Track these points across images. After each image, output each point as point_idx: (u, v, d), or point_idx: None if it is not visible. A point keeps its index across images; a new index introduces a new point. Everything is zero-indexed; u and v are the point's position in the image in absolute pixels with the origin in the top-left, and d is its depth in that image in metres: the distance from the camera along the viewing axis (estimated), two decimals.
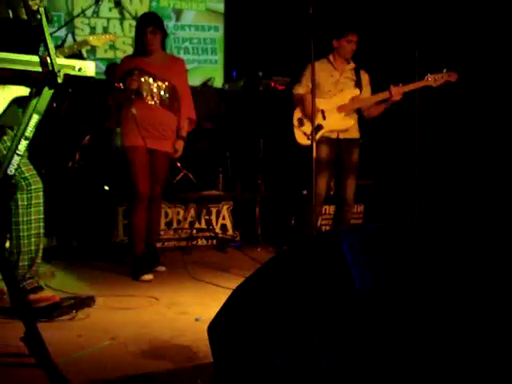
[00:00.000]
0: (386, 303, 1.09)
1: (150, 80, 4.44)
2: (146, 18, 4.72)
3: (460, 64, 5.22)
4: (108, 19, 7.40)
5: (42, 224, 3.53)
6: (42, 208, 3.50)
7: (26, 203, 3.42)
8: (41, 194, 3.49)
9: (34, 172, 3.46)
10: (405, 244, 1.20)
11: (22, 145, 2.35)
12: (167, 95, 4.48)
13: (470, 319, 1.23)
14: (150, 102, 4.43)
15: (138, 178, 4.41)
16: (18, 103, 3.47)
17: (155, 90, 4.44)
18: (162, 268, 4.61)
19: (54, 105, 5.72)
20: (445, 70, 4.88)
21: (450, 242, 1.25)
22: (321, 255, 1.09)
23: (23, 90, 3.44)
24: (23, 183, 3.36)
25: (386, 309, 1.08)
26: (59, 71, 2.25)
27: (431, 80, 4.87)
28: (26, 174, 3.38)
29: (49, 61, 2.24)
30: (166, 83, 4.48)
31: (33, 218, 3.46)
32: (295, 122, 5.16)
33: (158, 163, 4.51)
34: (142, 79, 4.41)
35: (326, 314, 1.10)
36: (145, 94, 4.41)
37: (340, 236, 1.08)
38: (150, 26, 4.48)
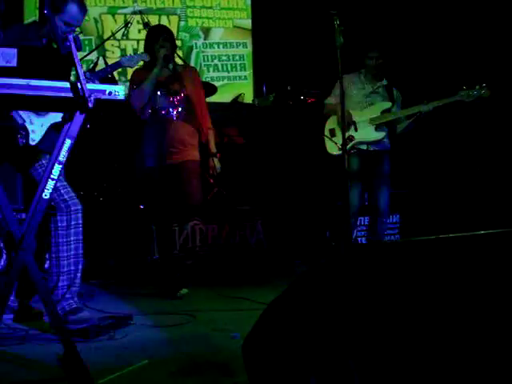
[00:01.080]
0: (419, 324, 1.08)
1: (165, 93, 4.46)
2: (158, 28, 4.84)
3: (491, 79, 5.19)
4: (138, 41, 7.50)
5: (81, 245, 3.60)
6: (81, 229, 3.57)
7: (65, 224, 3.49)
8: (80, 215, 3.56)
9: (73, 194, 3.54)
10: (440, 257, 1.19)
11: (56, 169, 2.40)
12: (183, 106, 4.51)
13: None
14: (167, 116, 4.45)
15: (160, 198, 4.46)
16: (57, 129, 3.59)
17: (171, 102, 4.46)
18: (185, 291, 4.40)
19: (88, 126, 5.82)
20: (477, 87, 4.86)
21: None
22: (356, 271, 1.08)
23: (60, 117, 3.53)
24: (62, 205, 3.44)
25: (421, 332, 1.07)
26: (90, 96, 2.30)
27: (464, 95, 4.85)
28: (66, 197, 3.46)
29: (79, 86, 2.29)
30: (181, 94, 4.50)
31: (72, 239, 3.53)
32: (326, 133, 5.22)
33: (187, 175, 4.52)
34: (158, 92, 4.44)
35: (362, 335, 1.09)
36: (161, 108, 4.44)
37: (374, 250, 1.08)
38: (165, 34, 4.53)
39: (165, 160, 4.42)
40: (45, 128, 3.51)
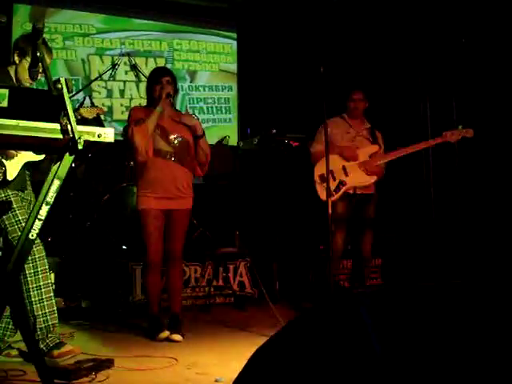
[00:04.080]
0: (407, 367, 1.10)
1: (165, 135, 4.39)
2: (161, 69, 4.82)
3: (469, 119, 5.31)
4: (124, 82, 7.59)
5: (52, 288, 3.65)
6: (48, 273, 3.62)
7: (32, 271, 3.55)
8: (45, 260, 3.63)
9: (38, 240, 3.55)
10: (427, 306, 1.21)
11: (44, 210, 2.40)
12: (181, 150, 4.42)
13: None
14: (165, 158, 4.36)
15: (150, 244, 4.34)
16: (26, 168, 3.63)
17: (169, 145, 4.39)
18: (178, 337, 4.31)
19: (73, 165, 5.84)
20: (460, 127, 4.96)
21: (476, 303, 1.26)
22: (340, 319, 1.10)
23: (34, 155, 3.58)
24: None
25: (408, 373, 1.09)
26: (79, 138, 2.32)
27: (449, 136, 4.95)
28: None
29: (69, 128, 2.31)
30: (180, 138, 4.42)
31: (42, 283, 3.59)
32: (317, 179, 5.17)
33: (177, 222, 4.42)
34: (157, 134, 4.37)
35: (346, 380, 1.10)
36: (160, 150, 4.36)
37: (359, 299, 1.10)
38: (167, 76, 4.44)
39: (160, 203, 4.35)
40: (19, 167, 3.54)
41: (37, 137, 2.34)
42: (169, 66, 7.71)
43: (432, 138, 5.10)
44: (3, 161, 3.46)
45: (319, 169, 5.19)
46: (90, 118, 4.19)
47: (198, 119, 4.60)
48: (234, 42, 8.19)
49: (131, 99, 7.59)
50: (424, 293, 1.26)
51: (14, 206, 3.53)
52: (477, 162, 6.03)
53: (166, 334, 4.30)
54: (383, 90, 6.77)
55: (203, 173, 4.65)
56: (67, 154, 2.38)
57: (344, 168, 5.09)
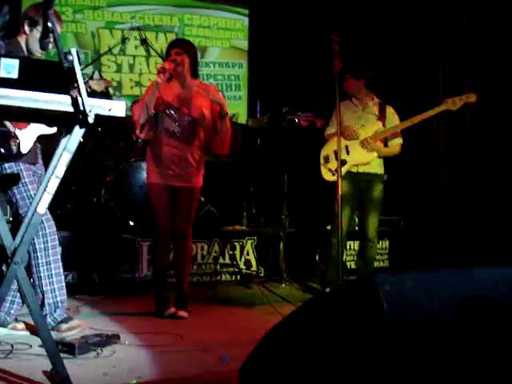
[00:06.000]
0: (423, 352, 1.07)
1: (172, 113, 4.32)
2: (173, 41, 4.69)
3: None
4: (134, 57, 7.52)
5: (60, 263, 3.63)
6: (58, 249, 3.63)
7: (43, 246, 3.52)
8: (56, 236, 3.60)
9: (49, 216, 3.54)
10: (444, 292, 1.18)
11: (53, 184, 2.37)
12: (189, 129, 4.33)
13: None
14: (171, 136, 4.30)
15: (158, 217, 4.34)
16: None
17: (176, 123, 4.32)
18: (184, 314, 4.31)
19: (81, 140, 5.80)
20: (462, 95, 4.86)
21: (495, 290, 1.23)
22: (358, 303, 1.07)
23: (47, 128, 3.54)
24: (38, 227, 3.38)
25: (424, 358, 1.06)
26: (90, 111, 2.28)
27: (450, 103, 4.83)
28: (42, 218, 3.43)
29: (80, 101, 2.28)
30: (189, 117, 4.32)
31: (51, 259, 3.57)
32: (321, 160, 5.21)
33: (185, 201, 4.37)
34: (167, 111, 4.31)
35: (362, 364, 1.08)
36: (169, 128, 4.31)
37: (377, 283, 1.07)
38: (176, 48, 4.33)
39: (166, 179, 4.32)
40: (33, 140, 3.51)
41: (47, 109, 2.31)
42: None
43: (432, 108, 4.97)
44: (17, 133, 3.42)
45: (324, 150, 5.26)
46: (99, 90, 4.15)
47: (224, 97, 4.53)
48: (246, 19, 8.09)
49: (141, 74, 7.53)
50: (443, 279, 1.24)
51: (26, 180, 3.50)
52: (488, 145, 5.96)
53: (172, 310, 4.30)
54: (396, 66, 6.71)
55: (227, 151, 4.53)
56: (77, 126, 2.34)
57: (346, 147, 5.06)
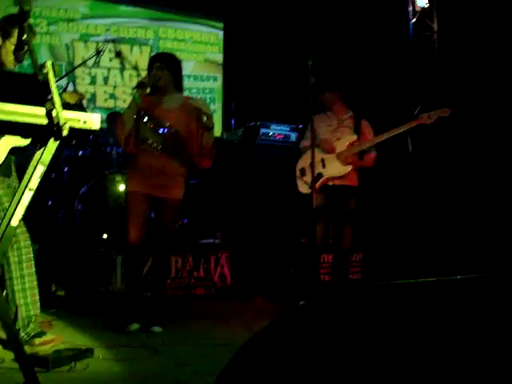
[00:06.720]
0: (405, 366, 1.08)
1: (152, 125, 4.26)
2: (155, 55, 4.72)
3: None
4: (108, 69, 7.50)
5: (35, 277, 3.57)
6: (33, 262, 3.55)
7: (17, 259, 3.47)
8: (31, 249, 3.54)
9: (24, 228, 3.50)
10: (426, 305, 1.19)
11: (27, 196, 2.35)
12: (171, 141, 4.27)
13: None
14: (152, 149, 4.24)
15: (131, 226, 4.25)
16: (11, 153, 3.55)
17: (158, 135, 4.26)
18: (158, 329, 4.25)
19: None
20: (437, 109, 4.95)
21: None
22: (331, 316, 1.08)
23: (20, 140, 3.49)
24: (12, 240, 3.34)
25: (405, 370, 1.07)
26: (65, 124, 2.27)
27: (425, 118, 4.92)
28: (16, 231, 3.38)
29: (54, 114, 2.27)
30: (171, 129, 4.27)
31: (25, 272, 3.51)
32: (297, 173, 5.26)
33: (165, 212, 4.33)
34: (148, 124, 4.26)
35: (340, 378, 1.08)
36: (149, 140, 4.25)
37: (352, 293, 1.08)
38: (158, 62, 4.35)
39: (145, 188, 4.26)
40: (5, 152, 3.46)
41: (21, 121, 2.29)
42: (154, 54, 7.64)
43: (407, 122, 5.05)
44: None
45: (300, 163, 5.31)
46: (72, 103, 4.13)
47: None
48: (221, 32, 8.13)
49: (115, 86, 7.52)
50: (423, 291, 1.25)
51: (0, 192, 3.46)
52: (460, 157, 6.05)
53: (135, 326, 4.23)
54: (370, 78, 6.80)
55: (209, 165, 4.46)
56: (52, 139, 2.33)
57: (322, 160, 5.11)
